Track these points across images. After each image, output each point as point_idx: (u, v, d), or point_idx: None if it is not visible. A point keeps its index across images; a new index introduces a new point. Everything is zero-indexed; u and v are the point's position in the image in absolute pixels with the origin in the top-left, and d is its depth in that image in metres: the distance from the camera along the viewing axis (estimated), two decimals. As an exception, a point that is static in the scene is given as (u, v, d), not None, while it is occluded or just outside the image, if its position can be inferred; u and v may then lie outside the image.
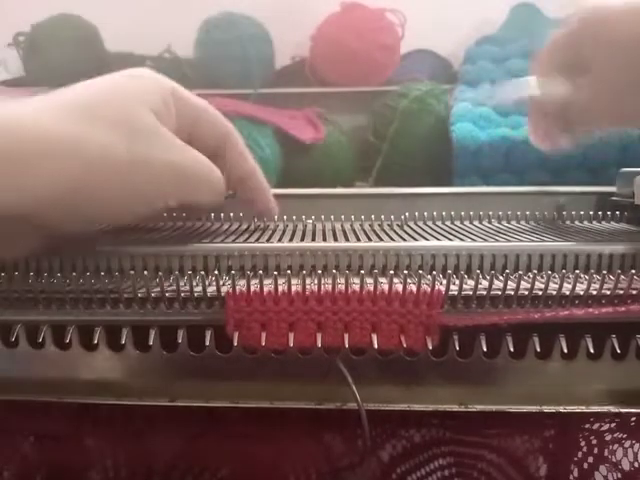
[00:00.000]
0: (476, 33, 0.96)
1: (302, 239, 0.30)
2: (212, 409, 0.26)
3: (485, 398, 0.25)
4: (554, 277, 0.25)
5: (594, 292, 0.24)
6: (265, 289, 0.23)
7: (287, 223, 0.34)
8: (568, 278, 0.24)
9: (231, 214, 0.36)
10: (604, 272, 0.24)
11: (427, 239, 0.29)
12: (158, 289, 0.24)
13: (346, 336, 0.23)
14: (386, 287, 0.23)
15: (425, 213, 0.36)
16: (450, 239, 0.29)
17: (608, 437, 0.31)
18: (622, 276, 0.24)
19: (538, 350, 0.24)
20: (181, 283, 0.24)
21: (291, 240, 0.30)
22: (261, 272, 0.24)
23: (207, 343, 0.24)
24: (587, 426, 0.32)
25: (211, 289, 0.24)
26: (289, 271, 0.25)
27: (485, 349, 0.24)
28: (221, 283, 0.24)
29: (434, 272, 0.24)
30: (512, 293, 0.24)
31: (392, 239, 0.29)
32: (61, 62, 0.94)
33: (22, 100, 0.25)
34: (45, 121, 0.24)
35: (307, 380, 0.25)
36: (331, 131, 0.87)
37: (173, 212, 0.33)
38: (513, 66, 0.84)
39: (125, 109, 0.26)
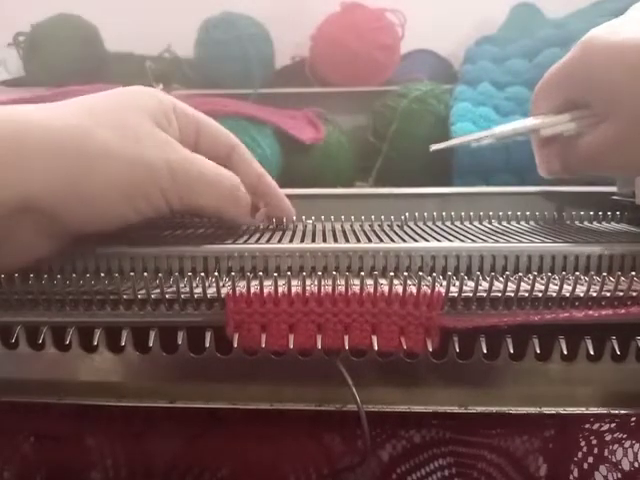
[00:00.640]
0: (476, 33, 0.96)
1: (302, 240, 0.30)
2: (212, 410, 0.26)
3: (485, 400, 0.25)
4: (554, 279, 0.25)
5: (594, 294, 0.24)
6: (265, 290, 0.23)
7: (287, 223, 0.34)
8: (568, 280, 0.24)
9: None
10: (604, 274, 0.24)
11: (427, 240, 0.29)
12: (158, 290, 0.24)
13: (346, 338, 0.23)
14: (386, 289, 0.23)
15: (425, 213, 0.36)
16: (450, 240, 0.29)
17: (608, 437, 0.31)
18: (622, 278, 0.23)
19: (538, 352, 0.24)
20: (181, 284, 0.24)
21: (291, 241, 0.30)
22: (261, 273, 0.24)
23: (207, 345, 0.24)
24: (587, 426, 0.31)
25: (211, 290, 0.24)
26: (289, 272, 0.25)
27: (485, 351, 0.24)
28: (221, 284, 0.24)
29: (434, 273, 0.24)
30: (512, 295, 0.24)
31: (392, 240, 0.29)
32: (61, 62, 0.94)
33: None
34: (49, 118, 0.25)
35: (307, 382, 0.25)
36: (331, 131, 0.87)
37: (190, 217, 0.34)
38: (513, 66, 0.83)
39: (125, 114, 0.27)
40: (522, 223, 0.35)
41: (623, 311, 0.23)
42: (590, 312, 0.23)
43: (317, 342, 0.23)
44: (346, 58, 0.92)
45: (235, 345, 0.23)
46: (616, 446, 0.31)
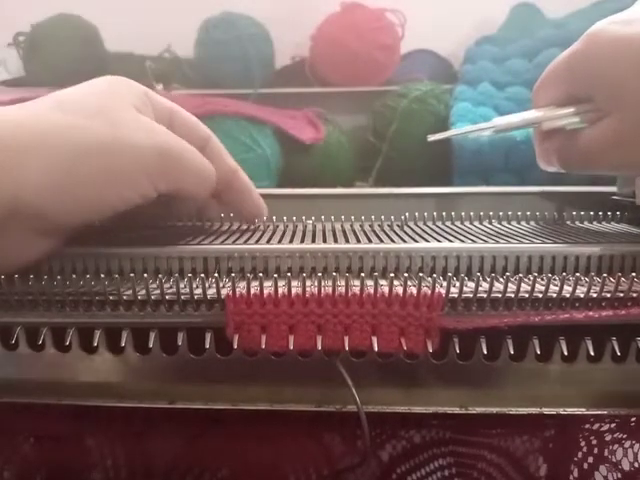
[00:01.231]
0: (476, 33, 0.96)
1: (302, 240, 0.30)
2: (212, 411, 0.26)
3: (485, 400, 0.25)
4: (554, 279, 0.25)
5: (594, 295, 0.24)
6: (265, 291, 0.23)
7: (287, 223, 0.34)
8: (568, 280, 0.24)
9: (231, 214, 0.36)
10: (604, 275, 0.24)
11: (427, 240, 0.29)
12: (158, 291, 0.24)
13: (346, 339, 0.23)
14: (386, 289, 0.23)
15: (425, 213, 0.36)
16: (450, 240, 0.29)
17: (608, 437, 0.31)
18: (622, 278, 0.23)
19: (538, 352, 0.24)
20: (181, 285, 0.24)
21: (291, 241, 0.30)
22: (261, 274, 0.24)
23: (207, 346, 0.24)
24: (587, 426, 0.31)
25: (211, 291, 0.24)
26: (289, 273, 0.25)
27: (485, 352, 0.24)
28: (221, 285, 0.24)
29: (434, 274, 0.24)
30: (512, 296, 0.24)
31: (392, 240, 0.29)
32: (61, 62, 0.94)
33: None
34: (25, 116, 0.25)
35: (307, 382, 0.25)
36: (331, 131, 0.87)
37: (165, 205, 0.33)
38: (513, 66, 0.84)
39: (105, 101, 0.27)
40: (522, 223, 0.35)
41: (623, 312, 0.23)
42: (590, 313, 0.23)
43: (317, 343, 0.23)
44: (346, 58, 0.92)
45: (235, 346, 0.23)
46: (616, 446, 0.31)
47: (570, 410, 0.25)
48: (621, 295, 0.24)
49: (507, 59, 0.86)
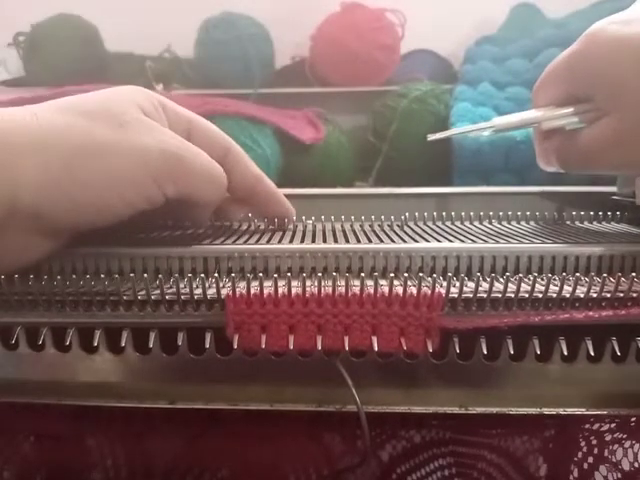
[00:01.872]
0: (476, 33, 0.96)
1: (302, 240, 0.30)
2: (212, 411, 0.26)
3: (485, 400, 0.25)
4: (554, 279, 0.25)
5: (594, 295, 0.24)
6: (265, 291, 0.23)
7: (288, 223, 0.34)
8: (568, 280, 0.24)
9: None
10: (604, 275, 0.24)
11: (427, 240, 0.29)
12: (158, 291, 0.24)
13: (346, 339, 0.23)
14: (386, 289, 0.23)
15: (425, 213, 0.36)
16: (450, 240, 0.29)
17: (608, 437, 0.31)
18: (622, 278, 0.23)
19: (538, 352, 0.24)
20: (181, 285, 0.24)
21: (291, 241, 0.30)
22: (261, 274, 0.24)
23: (207, 346, 0.24)
24: (587, 426, 0.31)
25: (211, 291, 0.24)
26: (289, 273, 0.25)
27: (485, 352, 0.24)
28: (221, 285, 0.24)
29: (434, 274, 0.24)
30: (512, 296, 0.24)
31: (392, 240, 0.29)
32: (61, 62, 0.94)
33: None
34: (27, 117, 0.25)
35: (307, 382, 0.25)
36: (331, 131, 0.87)
37: (175, 212, 0.33)
38: (513, 66, 0.84)
39: (109, 103, 0.26)
40: (522, 223, 0.35)
41: (623, 312, 0.23)
42: (590, 313, 0.23)
43: (317, 343, 0.23)
44: (346, 58, 0.92)
45: (235, 346, 0.23)
46: (616, 446, 0.31)
47: (570, 410, 0.25)
48: (621, 295, 0.24)
49: (507, 59, 0.86)
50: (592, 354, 0.24)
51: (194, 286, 0.24)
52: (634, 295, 0.24)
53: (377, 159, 0.84)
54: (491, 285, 0.23)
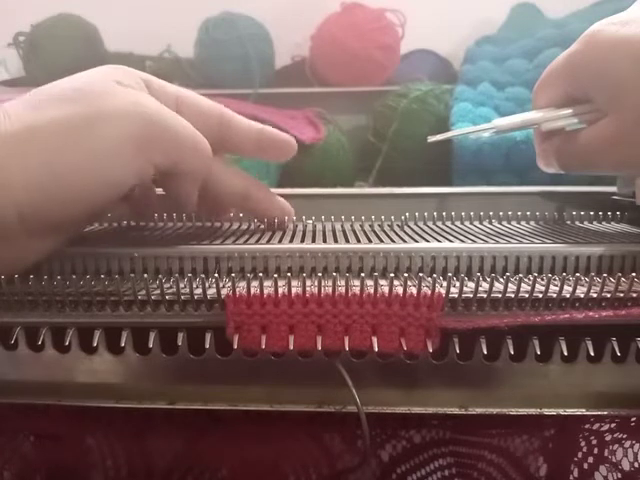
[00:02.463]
0: (476, 33, 0.96)
1: (302, 240, 0.30)
2: (212, 411, 0.26)
3: (485, 401, 0.25)
4: (554, 280, 0.25)
5: (594, 295, 0.24)
6: (265, 291, 0.23)
7: (288, 222, 0.34)
8: (568, 280, 0.24)
9: (231, 214, 0.36)
10: (604, 275, 0.24)
11: (427, 240, 0.29)
12: (158, 291, 0.24)
13: (346, 339, 0.23)
14: (386, 290, 0.23)
15: (425, 213, 0.36)
16: (450, 240, 0.29)
17: (608, 437, 0.31)
18: (622, 278, 0.23)
19: (538, 353, 0.24)
20: (181, 285, 0.24)
21: (291, 241, 0.30)
22: (261, 274, 0.24)
23: (207, 346, 0.24)
24: (587, 426, 0.31)
25: (211, 291, 0.24)
26: (289, 273, 0.25)
27: (485, 352, 0.24)
28: (221, 285, 0.24)
29: (434, 274, 0.24)
30: (512, 296, 0.24)
31: (392, 240, 0.29)
32: (61, 62, 0.94)
33: None
34: (4, 117, 0.24)
35: (307, 383, 0.25)
36: (331, 131, 0.87)
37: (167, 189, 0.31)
38: (513, 66, 0.83)
39: (83, 85, 0.26)
40: (522, 223, 0.35)
41: (623, 312, 0.23)
42: (590, 313, 0.23)
43: (317, 343, 0.23)
44: (346, 58, 0.92)
45: (235, 346, 0.23)
46: (616, 446, 0.31)
47: (570, 410, 0.25)
48: (621, 295, 0.24)
49: (507, 59, 0.85)
50: (592, 354, 0.24)
51: (194, 286, 0.24)
52: (634, 295, 0.24)
53: (377, 159, 0.83)
54: (491, 285, 0.23)
